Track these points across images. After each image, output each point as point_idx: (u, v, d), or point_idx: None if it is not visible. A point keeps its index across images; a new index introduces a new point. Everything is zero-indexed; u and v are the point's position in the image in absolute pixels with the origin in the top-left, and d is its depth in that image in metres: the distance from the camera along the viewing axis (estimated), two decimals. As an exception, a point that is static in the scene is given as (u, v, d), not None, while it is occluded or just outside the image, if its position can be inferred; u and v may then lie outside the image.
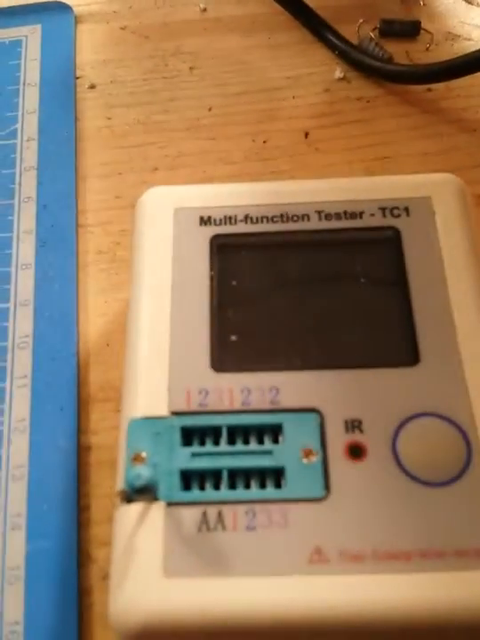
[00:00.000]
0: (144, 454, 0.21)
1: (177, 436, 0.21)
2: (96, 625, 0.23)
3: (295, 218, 0.26)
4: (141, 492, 0.20)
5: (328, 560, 0.20)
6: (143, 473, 0.20)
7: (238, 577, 0.20)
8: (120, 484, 0.21)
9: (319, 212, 0.26)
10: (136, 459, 0.21)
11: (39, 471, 0.25)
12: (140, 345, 0.23)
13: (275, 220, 0.26)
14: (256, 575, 0.20)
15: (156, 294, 0.24)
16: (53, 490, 0.25)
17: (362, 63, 0.34)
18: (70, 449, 0.26)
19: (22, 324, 0.28)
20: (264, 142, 0.33)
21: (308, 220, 0.25)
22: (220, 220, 0.26)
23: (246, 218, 0.26)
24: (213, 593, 0.19)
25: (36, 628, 0.23)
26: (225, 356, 0.23)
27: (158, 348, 0.23)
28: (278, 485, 0.21)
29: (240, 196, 0.26)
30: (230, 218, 0.26)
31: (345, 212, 0.25)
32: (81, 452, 0.26)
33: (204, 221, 0.26)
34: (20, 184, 0.32)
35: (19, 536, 0.24)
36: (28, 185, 0.32)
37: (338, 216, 0.25)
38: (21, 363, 0.28)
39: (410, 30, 0.36)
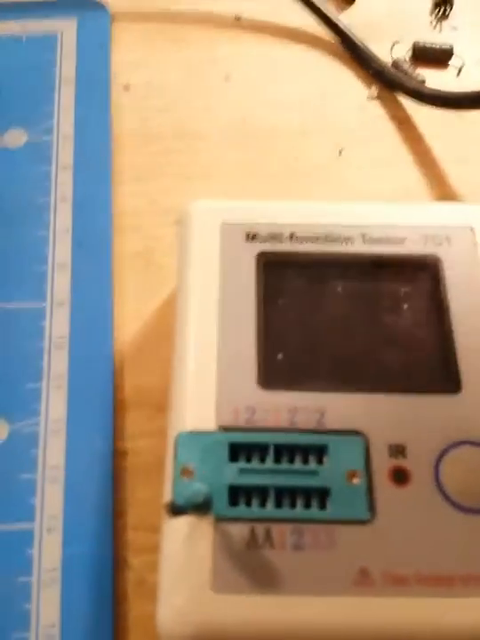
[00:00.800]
0: (192, 468, 0.22)
1: (225, 452, 0.22)
2: (131, 631, 0.24)
3: (339, 240, 0.26)
4: (197, 508, 0.21)
5: (373, 582, 0.20)
6: (202, 489, 0.20)
7: (285, 595, 0.20)
8: (168, 496, 0.22)
9: (363, 236, 0.26)
10: (184, 472, 0.22)
11: (75, 474, 0.26)
12: (188, 358, 0.24)
13: (319, 240, 0.26)
14: (303, 594, 0.20)
15: (203, 308, 0.25)
16: (89, 493, 0.25)
17: (397, 84, 0.35)
18: (106, 453, 0.26)
19: (59, 324, 0.29)
20: (297, 157, 0.34)
21: (352, 243, 0.26)
22: (266, 237, 0.26)
23: (292, 236, 0.26)
24: (261, 610, 0.20)
25: (71, 632, 0.23)
26: (272, 373, 0.24)
27: (206, 363, 0.24)
28: (323, 506, 0.21)
29: (286, 214, 0.27)
30: (276, 235, 0.26)
31: (388, 238, 0.26)
32: (116, 456, 0.26)
33: (250, 237, 0.26)
34: (56, 182, 0.32)
35: (55, 538, 0.25)
36: (64, 184, 0.32)
37: (380, 241, 0.26)
38: (58, 363, 0.28)
39: (442, 56, 0.37)
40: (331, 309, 0.25)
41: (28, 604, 0.24)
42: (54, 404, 0.27)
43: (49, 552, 0.24)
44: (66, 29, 0.37)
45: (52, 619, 0.23)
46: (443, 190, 0.33)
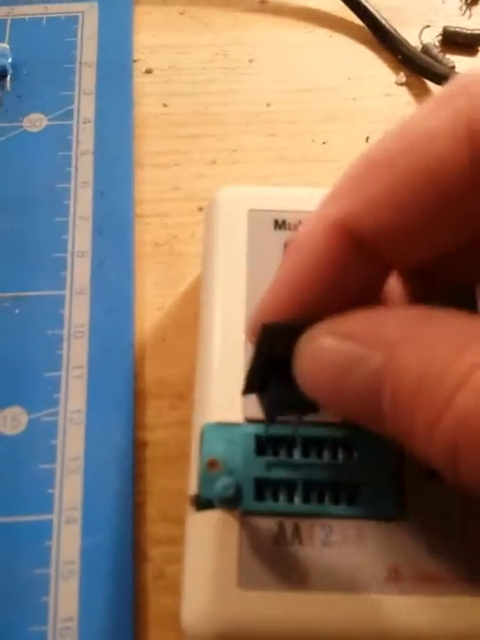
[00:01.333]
0: (219, 460, 0.21)
1: (252, 444, 0.21)
2: (151, 624, 0.23)
3: (370, 228, 0.25)
4: (226, 502, 0.20)
5: (404, 579, 0.20)
6: (232, 483, 0.20)
7: (313, 592, 0.20)
8: (193, 489, 0.21)
9: (394, 224, 0.25)
10: (211, 464, 0.21)
11: (95, 465, 0.25)
12: (214, 348, 0.23)
13: (349, 228, 0.25)
14: (331, 591, 0.20)
15: (229, 297, 0.24)
16: (109, 484, 0.25)
17: (426, 70, 0.34)
18: (126, 444, 0.26)
19: (78, 312, 0.28)
20: (323, 143, 0.33)
21: (383, 231, 0.25)
22: (295, 224, 0.25)
23: (320, 224, 0.25)
24: (288, 607, 0.19)
25: (90, 625, 0.23)
26: (300, 365, 0.23)
27: (232, 353, 0.23)
28: (352, 501, 0.21)
29: (316, 201, 0.26)
30: (304, 223, 0.25)
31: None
32: (136, 447, 0.26)
33: (279, 225, 0.25)
34: (76, 168, 0.31)
35: (74, 530, 0.24)
36: (84, 169, 0.31)
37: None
38: (77, 352, 0.27)
39: (473, 41, 0.36)
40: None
41: (46, 596, 0.23)
42: (74, 394, 0.26)
43: (67, 544, 0.24)
44: (87, 11, 0.36)
45: (70, 612, 0.23)
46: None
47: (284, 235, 0.25)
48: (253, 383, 0.20)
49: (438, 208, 0.16)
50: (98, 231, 0.30)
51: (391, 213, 0.16)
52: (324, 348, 0.17)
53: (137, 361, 0.28)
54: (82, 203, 0.30)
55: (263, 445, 0.21)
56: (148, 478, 0.26)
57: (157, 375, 0.27)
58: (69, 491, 0.25)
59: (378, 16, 0.36)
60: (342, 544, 0.20)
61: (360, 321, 0.17)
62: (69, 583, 0.23)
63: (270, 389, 0.19)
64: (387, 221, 0.17)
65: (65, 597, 0.23)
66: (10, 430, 0.26)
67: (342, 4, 0.36)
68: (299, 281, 0.18)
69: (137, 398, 0.27)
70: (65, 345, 0.27)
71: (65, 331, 0.28)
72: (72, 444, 0.25)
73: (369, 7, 0.36)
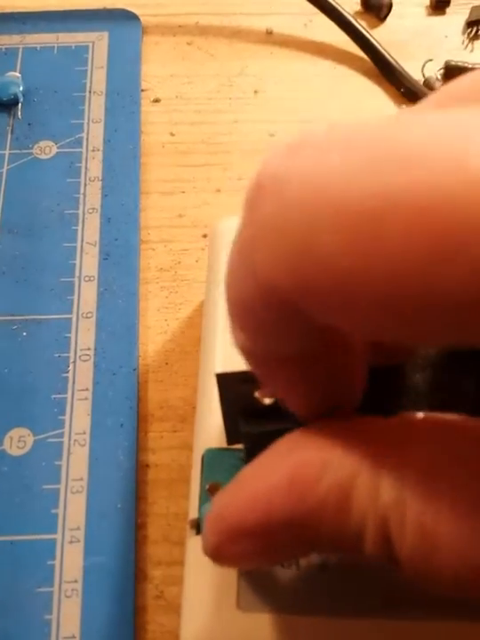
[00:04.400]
0: (219, 486, 0.22)
1: (251, 470, 0.22)
2: (151, 644, 0.24)
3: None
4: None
5: (402, 604, 0.20)
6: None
7: (312, 616, 0.20)
8: (193, 514, 0.22)
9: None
10: (211, 490, 0.22)
11: (98, 486, 0.26)
12: (213, 376, 0.24)
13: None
14: (329, 615, 0.20)
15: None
16: (112, 506, 0.25)
17: (427, 104, 0.35)
18: (129, 466, 0.26)
19: (85, 336, 0.29)
20: (326, 173, 0.34)
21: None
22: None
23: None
24: (286, 629, 0.20)
25: (91, 644, 0.23)
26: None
27: (233, 379, 0.24)
28: (349, 526, 0.21)
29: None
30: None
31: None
32: (139, 469, 0.26)
33: (280, 255, 0.26)
34: (84, 194, 0.32)
35: (77, 549, 0.25)
36: (92, 196, 0.32)
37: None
38: (83, 375, 0.28)
39: (474, 74, 0.36)
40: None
41: (49, 614, 0.24)
42: (78, 416, 0.27)
43: (70, 563, 0.24)
44: (97, 41, 0.37)
45: (71, 630, 0.23)
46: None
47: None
48: (232, 433, 0.21)
49: None
50: (104, 256, 0.31)
51: None
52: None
53: (140, 384, 0.28)
54: (89, 228, 0.31)
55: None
56: (150, 500, 0.26)
57: (160, 398, 0.28)
58: (73, 511, 0.25)
59: (381, 49, 0.37)
60: (340, 568, 0.21)
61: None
62: (71, 602, 0.24)
63: (243, 437, 0.20)
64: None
65: (67, 616, 0.24)
66: (16, 451, 0.26)
67: (347, 37, 0.37)
68: None
69: (140, 421, 0.27)
70: (71, 368, 0.28)
71: (71, 354, 0.28)
72: (76, 465, 0.26)
73: (373, 40, 0.37)
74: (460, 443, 0.15)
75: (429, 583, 0.15)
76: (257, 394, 0.20)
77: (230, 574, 0.21)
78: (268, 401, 0.20)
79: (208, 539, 0.17)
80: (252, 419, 0.20)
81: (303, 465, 0.15)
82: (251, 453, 0.21)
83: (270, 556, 0.17)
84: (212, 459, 0.22)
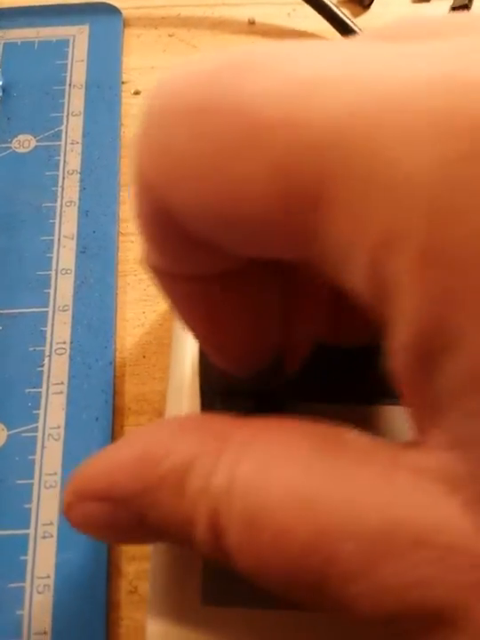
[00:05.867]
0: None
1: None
2: (123, 638, 0.23)
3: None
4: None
5: (367, 597, 0.20)
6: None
7: (278, 609, 0.20)
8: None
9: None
10: (178, 481, 0.21)
11: (72, 481, 0.25)
12: (185, 364, 0.23)
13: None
14: (294, 609, 0.20)
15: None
16: (85, 501, 0.25)
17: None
18: (103, 460, 0.26)
19: (60, 329, 0.28)
20: (307, 162, 0.33)
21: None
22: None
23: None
24: (252, 624, 0.20)
25: (63, 639, 0.23)
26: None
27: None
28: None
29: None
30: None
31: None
32: (114, 464, 0.26)
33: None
34: (62, 187, 0.32)
35: (49, 545, 0.24)
36: (70, 189, 0.32)
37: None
38: (58, 369, 0.28)
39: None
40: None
41: (21, 610, 0.23)
42: (53, 410, 0.27)
43: (42, 559, 0.24)
44: (78, 34, 0.37)
45: (43, 626, 0.23)
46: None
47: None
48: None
49: None
50: (82, 249, 0.30)
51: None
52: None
53: (117, 377, 0.28)
54: (67, 222, 0.31)
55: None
56: (125, 494, 0.26)
57: (137, 392, 0.28)
58: (46, 506, 0.25)
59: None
60: (306, 561, 0.20)
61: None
62: (43, 597, 0.24)
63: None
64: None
65: (39, 611, 0.23)
66: (-11, 446, 0.26)
67: (329, 25, 0.37)
68: None
69: (116, 415, 0.27)
70: (46, 361, 0.28)
71: (47, 347, 0.28)
72: (50, 459, 0.26)
73: (356, 28, 0.36)
74: (299, 442, 0.15)
75: (262, 581, 0.15)
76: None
77: (195, 568, 0.20)
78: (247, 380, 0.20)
79: (64, 497, 0.18)
80: (229, 398, 0.20)
81: (153, 444, 0.16)
82: None
83: (116, 532, 0.17)
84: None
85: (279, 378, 0.21)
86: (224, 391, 0.20)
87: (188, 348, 0.24)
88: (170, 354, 0.25)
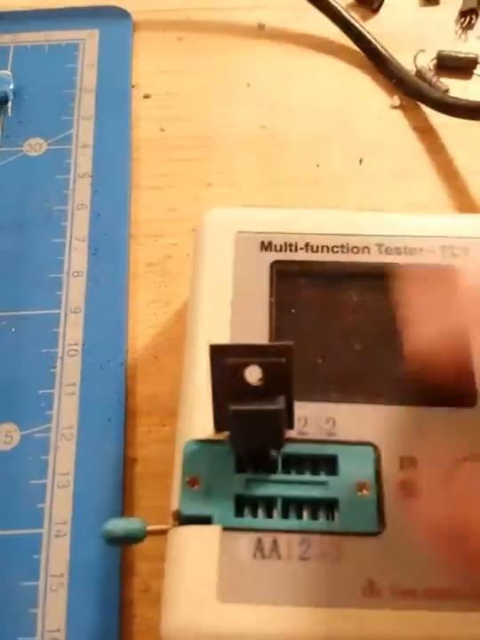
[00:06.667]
0: (199, 477, 0.22)
1: (232, 462, 0.22)
2: (137, 636, 0.24)
3: (355, 249, 0.26)
4: (197, 521, 0.21)
5: (380, 594, 0.20)
6: (200, 504, 0.20)
7: (291, 606, 0.20)
8: (175, 505, 0.22)
9: (379, 246, 0.26)
10: (191, 482, 0.22)
11: (85, 480, 0.26)
12: (199, 367, 0.24)
13: (335, 250, 0.26)
14: (308, 605, 0.20)
15: (215, 317, 0.25)
16: (98, 499, 0.25)
17: (420, 94, 0.35)
18: (116, 460, 0.26)
19: (72, 331, 0.29)
20: (317, 165, 0.34)
21: (368, 252, 0.26)
22: (281, 246, 0.26)
23: (307, 246, 0.26)
24: (266, 620, 0.20)
25: (76, 637, 0.23)
26: (283, 383, 0.23)
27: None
28: (331, 516, 0.21)
29: (302, 223, 0.27)
30: (291, 245, 0.26)
31: (405, 248, 0.26)
32: (126, 463, 0.26)
33: (265, 247, 0.26)
34: (74, 190, 0.32)
35: (63, 543, 0.25)
36: (82, 192, 0.32)
37: (397, 251, 0.26)
38: (70, 370, 0.28)
39: (467, 65, 0.36)
40: (345, 319, 0.25)
41: (35, 608, 0.24)
42: (66, 411, 0.27)
43: (56, 557, 0.24)
44: (88, 38, 0.37)
45: (57, 624, 0.23)
46: (464, 201, 0.32)
47: (269, 256, 0.26)
48: (219, 416, 0.21)
49: None
50: (93, 251, 0.30)
51: None
52: None
53: (129, 378, 0.28)
54: (78, 224, 0.31)
55: (243, 463, 0.22)
56: (138, 494, 0.26)
57: (149, 392, 0.28)
58: (59, 505, 0.25)
59: (373, 40, 0.36)
60: (320, 559, 0.20)
61: None
62: (57, 595, 0.24)
63: (231, 415, 0.21)
64: None
65: (52, 609, 0.24)
66: (3, 446, 0.26)
67: (339, 29, 0.37)
68: None
69: (128, 415, 0.27)
70: (58, 363, 0.28)
71: (59, 349, 0.28)
72: (63, 459, 0.26)
73: (364, 32, 0.37)
74: None
75: None
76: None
77: (210, 566, 0.20)
78: (256, 381, 0.20)
79: None
80: (240, 397, 0.21)
81: None
82: (237, 432, 0.21)
83: None
84: (192, 451, 0.22)
85: None
86: (235, 392, 0.21)
87: (201, 349, 0.24)
88: (183, 355, 0.25)
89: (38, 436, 0.26)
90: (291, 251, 0.26)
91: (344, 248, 0.26)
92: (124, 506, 0.26)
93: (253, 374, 0.21)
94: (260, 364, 0.21)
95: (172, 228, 0.32)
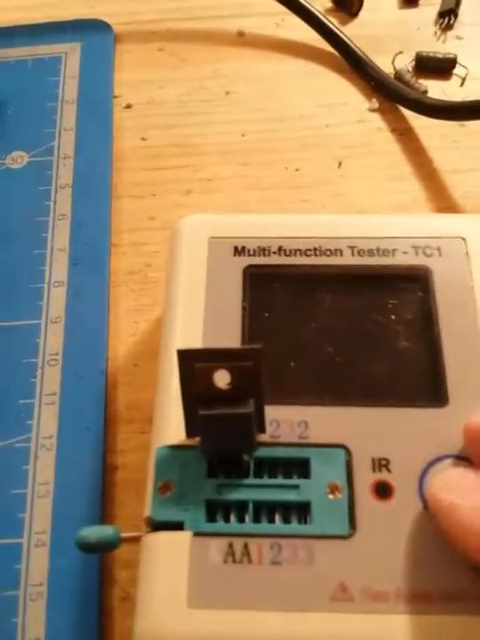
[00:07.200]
0: (171, 483, 0.22)
1: (203, 467, 0.22)
2: (116, 646, 0.24)
3: (328, 252, 0.26)
4: (169, 528, 0.21)
5: (351, 598, 0.20)
6: (171, 510, 0.21)
7: (262, 611, 0.20)
8: (147, 511, 0.22)
9: (352, 248, 0.26)
10: (163, 488, 0.22)
11: (64, 489, 0.26)
12: (172, 372, 0.24)
13: (308, 253, 0.26)
14: (279, 610, 0.20)
15: (188, 322, 0.25)
16: (78, 509, 0.25)
17: (398, 95, 0.35)
18: (96, 468, 0.26)
19: (53, 341, 0.29)
20: (297, 170, 0.34)
21: (341, 255, 0.26)
22: (254, 250, 0.26)
23: (280, 250, 0.26)
24: (237, 626, 0.20)
25: (56, 646, 0.23)
26: (255, 387, 0.23)
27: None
28: (304, 520, 0.21)
29: (274, 228, 0.27)
30: (264, 249, 0.26)
31: (377, 249, 0.26)
32: (106, 471, 0.26)
33: (238, 251, 0.26)
34: (55, 201, 0.32)
35: (42, 553, 0.25)
36: (63, 202, 0.32)
37: (370, 253, 0.26)
38: (50, 380, 0.28)
39: (445, 65, 0.36)
40: (317, 322, 0.25)
41: (14, 618, 0.24)
42: (46, 421, 0.27)
43: (36, 567, 0.24)
44: (71, 51, 0.38)
45: (37, 633, 0.23)
46: (443, 202, 0.32)
47: (243, 261, 0.26)
48: (190, 422, 0.22)
49: None
50: (74, 262, 0.31)
51: None
52: None
53: (109, 386, 0.28)
54: (59, 235, 0.31)
55: (215, 468, 0.22)
56: (118, 502, 0.26)
57: (129, 400, 0.28)
58: (39, 515, 0.25)
59: (351, 44, 0.36)
60: (291, 563, 0.20)
61: None
62: (37, 605, 0.24)
63: (200, 420, 0.21)
64: None
65: (32, 619, 0.24)
66: (-17, 457, 0.26)
67: (317, 34, 0.37)
68: None
69: (108, 423, 0.27)
70: (39, 373, 0.28)
71: (39, 359, 0.28)
72: (43, 469, 0.26)
73: (342, 35, 0.37)
74: None
75: None
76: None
77: (181, 572, 0.20)
78: (225, 386, 0.20)
79: None
80: (209, 402, 0.21)
81: None
82: (207, 437, 0.21)
83: None
84: (163, 457, 0.22)
85: None
86: (205, 396, 0.21)
87: (174, 355, 0.24)
88: (157, 362, 0.25)
89: (18, 446, 0.27)
90: (264, 255, 0.26)
91: (317, 251, 0.26)
92: (105, 514, 0.26)
93: (222, 378, 0.21)
94: (229, 368, 0.21)
95: (152, 237, 0.32)
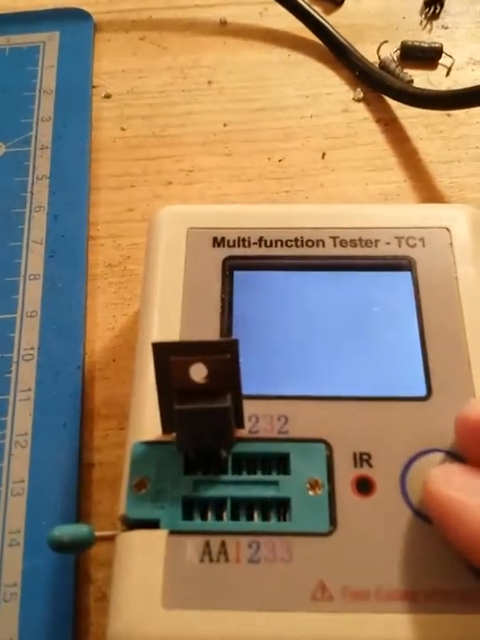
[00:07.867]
0: (146, 480, 0.21)
1: (180, 463, 0.21)
2: (92, 647, 0.23)
3: (310, 243, 0.25)
4: (151, 524, 0.20)
5: (331, 597, 0.19)
6: (147, 507, 0.20)
7: (239, 611, 0.19)
8: (122, 509, 0.21)
9: (334, 239, 0.25)
10: (139, 485, 0.21)
11: (39, 487, 0.25)
12: (149, 365, 0.23)
13: (289, 244, 0.25)
14: (257, 610, 0.19)
15: (166, 315, 0.24)
16: (53, 507, 0.25)
17: (382, 85, 0.34)
18: (71, 466, 0.26)
19: (28, 335, 0.28)
20: (280, 160, 0.33)
21: (323, 245, 0.25)
22: (234, 241, 0.25)
23: (260, 241, 0.25)
24: (212, 626, 0.19)
25: (30, 648, 0.23)
26: (234, 381, 0.23)
27: (166, 371, 0.23)
28: (283, 517, 0.20)
29: (254, 219, 0.26)
30: (244, 240, 0.25)
31: (360, 240, 0.25)
32: (83, 468, 0.26)
33: (217, 243, 0.25)
34: (31, 193, 0.32)
35: (16, 553, 0.24)
36: (39, 194, 0.32)
37: (353, 243, 0.25)
38: (25, 375, 0.27)
39: (431, 54, 0.36)
40: (297, 314, 0.24)
41: (-13, 620, 0.23)
42: (20, 417, 0.26)
43: (9, 567, 0.24)
44: (49, 40, 0.37)
45: (10, 633, 0.23)
46: (428, 192, 0.32)
47: (222, 252, 0.25)
48: (166, 417, 0.21)
49: None
50: (50, 254, 0.30)
51: None
52: None
53: (86, 382, 0.28)
54: (36, 227, 0.31)
55: (192, 464, 0.21)
56: (95, 499, 0.25)
57: (106, 395, 0.27)
58: (13, 514, 0.25)
59: (335, 33, 0.36)
60: (270, 561, 0.20)
61: None
62: (10, 606, 0.23)
63: (176, 415, 0.20)
64: None
65: (5, 619, 0.23)
66: (-44, 454, 0.26)
67: (301, 24, 0.37)
68: None
69: (85, 419, 0.27)
70: (14, 368, 0.27)
71: (14, 354, 0.28)
72: (17, 467, 0.25)
73: (326, 24, 0.36)
74: None
75: None
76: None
77: (156, 571, 0.20)
78: (201, 379, 0.20)
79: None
80: (186, 396, 0.20)
81: None
82: (184, 432, 0.20)
83: None
84: (139, 453, 0.21)
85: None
86: (181, 391, 0.20)
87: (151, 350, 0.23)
88: (134, 357, 0.24)
89: (-8, 444, 0.26)
90: (244, 246, 0.25)
91: (298, 242, 0.25)
92: (81, 512, 0.25)
93: (199, 372, 0.20)
94: (205, 362, 0.20)
95: (131, 229, 0.31)
